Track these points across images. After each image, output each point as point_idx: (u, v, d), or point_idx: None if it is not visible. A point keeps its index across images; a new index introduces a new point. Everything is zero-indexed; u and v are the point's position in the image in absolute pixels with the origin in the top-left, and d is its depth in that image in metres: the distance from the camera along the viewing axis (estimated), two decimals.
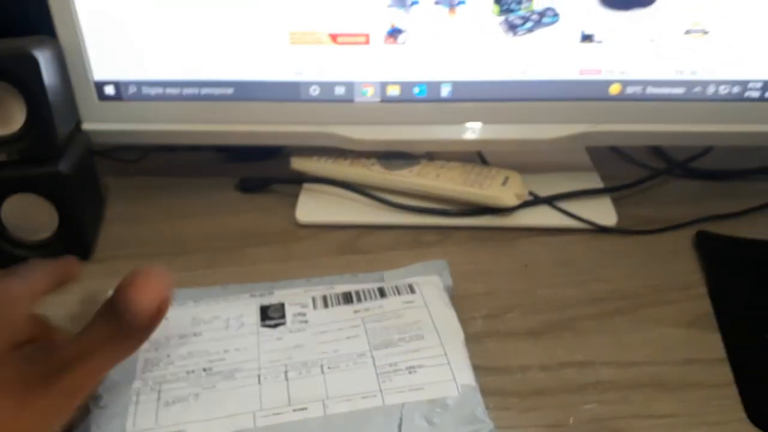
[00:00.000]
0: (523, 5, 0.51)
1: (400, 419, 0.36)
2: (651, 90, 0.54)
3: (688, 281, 0.50)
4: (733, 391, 0.41)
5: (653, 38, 0.52)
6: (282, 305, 0.44)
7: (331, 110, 0.55)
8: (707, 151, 0.63)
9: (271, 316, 0.43)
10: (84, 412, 0.37)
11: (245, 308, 0.44)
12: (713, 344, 0.45)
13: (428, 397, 0.37)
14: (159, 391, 0.37)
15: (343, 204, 0.58)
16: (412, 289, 0.45)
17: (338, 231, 0.56)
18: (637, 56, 0.53)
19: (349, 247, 0.54)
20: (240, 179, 0.62)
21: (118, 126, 0.56)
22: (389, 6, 0.51)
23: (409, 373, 0.38)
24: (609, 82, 0.54)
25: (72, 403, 0.30)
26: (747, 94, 0.53)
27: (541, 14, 0.51)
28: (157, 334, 0.35)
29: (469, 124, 0.55)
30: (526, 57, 0.53)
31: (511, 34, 0.52)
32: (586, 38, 0.52)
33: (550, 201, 0.56)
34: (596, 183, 0.60)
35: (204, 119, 0.56)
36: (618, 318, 0.47)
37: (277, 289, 0.46)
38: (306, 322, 0.42)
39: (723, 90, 0.53)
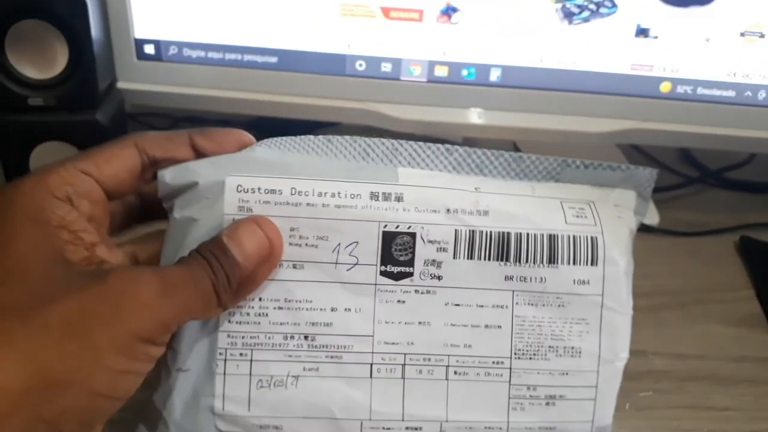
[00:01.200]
0: None
1: None
2: (701, 91, 0.53)
3: (734, 283, 0.49)
4: None
5: (708, 38, 0.51)
6: (413, 237, 0.30)
7: (375, 87, 0.54)
8: (746, 161, 0.62)
9: (396, 256, 0.30)
10: (164, 373, 0.30)
11: (361, 227, 0.30)
12: (765, 344, 0.43)
13: None
14: (250, 361, 0.30)
15: None
16: (593, 246, 0.31)
17: None
18: (691, 55, 0.52)
19: None
20: None
21: (155, 87, 0.55)
22: None
23: (547, 404, 0.31)
24: (660, 80, 0.53)
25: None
26: None
27: (599, 4, 0.51)
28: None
29: (516, 111, 0.54)
30: (579, 47, 0.52)
31: (566, 22, 0.51)
32: (641, 33, 0.52)
33: None
34: None
35: (245, 87, 0.54)
36: (666, 312, 0.46)
37: (402, 166, 0.32)
38: (440, 278, 0.31)
39: None
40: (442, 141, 0.57)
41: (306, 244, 0.30)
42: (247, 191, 0.29)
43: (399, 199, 0.31)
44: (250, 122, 0.66)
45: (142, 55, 0.54)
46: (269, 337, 0.30)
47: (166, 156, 0.30)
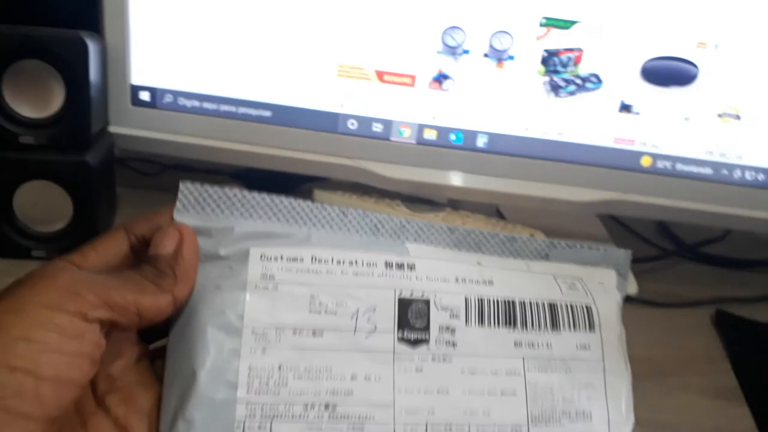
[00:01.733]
0: (569, 69, 0.53)
1: None
2: (680, 167, 0.55)
3: (711, 356, 0.50)
4: None
5: (688, 117, 0.54)
6: (427, 304, 0.32)
7: (366, 146, 0.55)
8: (721, 237, 0.64)
9: (412, 323, 0.31)
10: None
11: (379, 294, 0.31)
12: (742, 416, 0.44)
13: None
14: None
15: None
16: (589, 316, 0.34)
17: None
18: (671, 132, 0.54)
19: None
20: None
21: (148, 134, 0.55)
22: (439, 52, 0.52)
23: None
24: (641, 154, 0.55)
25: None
26: None
27: (585, 79, 0.53)
28: (266, 318, 0.30)
29: (500, 177, 0.55)
30: (564, 119, 0.54)
31: (553, 95, 0.54)
32: (624, 108, 0.54)
33: None
34: None
35: (237, 138, 0.55)
36: (646, 382, 0.45)
37: (410, 242, 0.34)
38: (454, 345, 0.32)
39: (749, 176, 0.55)
40: (429, 201, 0.58)
41: (325, 311, 0.30)
42: (270, 259, 0.30)
43: (411, 268, 0.32)
44: (239, 173, 0.66)
45: (137, 101, 0.55)
46: (289, 408, 0.29)
47: (152, 229, 0.31)
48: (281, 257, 0.31)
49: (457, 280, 0.32)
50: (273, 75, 0.54)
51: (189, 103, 0.55)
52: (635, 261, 0.58)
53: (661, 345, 0.50)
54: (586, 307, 0.34)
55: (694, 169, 0.55)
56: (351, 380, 0.30)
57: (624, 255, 0.38)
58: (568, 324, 0.33)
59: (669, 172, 0.55)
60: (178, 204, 0.32)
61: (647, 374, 0.46)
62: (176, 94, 0.55)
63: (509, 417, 0.31)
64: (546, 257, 0.36)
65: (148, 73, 0.54)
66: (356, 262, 0.31)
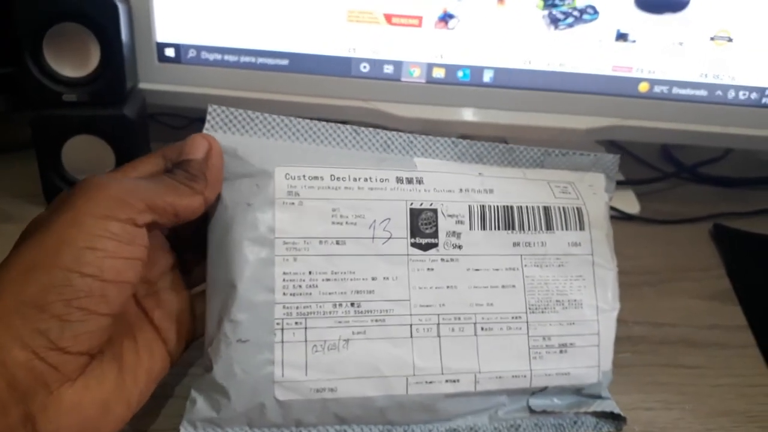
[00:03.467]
0: (566, 2, 0.56)
1: (535, 390, 0.37)
2: (676, 90, 0.58)
3: (708, 264, 0.54)
4: (755, 352, 0.44)
5: (681, 41, 0.57)
6: (435, 213, 0.36)
7: (378, 87, 0.59)
8: (721, 157, 0.67)
9: (423, 229, 0.36)
10: (224, 345, 0.32)
11: (392, 206, 0.36)
12: (735, 314, 0.48)
13: (571, 383, 0.37)
14: (305, 329, 0.33)
15: None
16: (579, 214, 0.38)
17: None
18: (666, 57, 0.57)
19: None
20: None
21: (174, 88, 0.59)
22: None
23: (560, 352, 0.37)
24: (638, 80, 0.58)
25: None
26: (764, 101, 0.58)
27: (582, 11, 0.56)
28: (294, 230, 0.34)
29: (507, 110, 0.59)
30: (564, 50, 0.57)
31: (552, 28, 0.56)
32: (621, 37, 0.57)
33: None
34: (618, 177, 0.63)
35: (258, 88, 0.59)
36: (645, 288, 0.50)
37: (417, 157, 0.38)
38: (460, 247, 0.36)
39: (742, 95, 0.58)
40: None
41: (346, 222, 0.35)
42: (294, 178, 0.35)
43: (420, 182, 0.37)
44: None
45: (163, 58, 0.58)
46: (320, 306, 0.34)
47: (182, 156, 0.34)
48: (304, 176, 0.35)
49: (461, 190, 0.37)
50: (288, 24, 0.57)
51: (211, 56, 0.59)
52: (637, 183, 0.63)
53: (660, 256, 0.54)
54: (577, 209, 0.39)
55: (689, 91, 0.58)
56: (372, 281, 0.35)
57: (612, 159, 0.43)
58: (560, 224, 0.38)
59: (666, 96, 0.58)
60: (206, 125, 0.36)
61: (647, 282, 0.51)
62: (199, 48, 0.58)
63: (510, 307, 0.36)
64: (541, 165, 0.40)
65: (171, 31, 0.58)
66: (370, 178, 0.36)
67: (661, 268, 0.52)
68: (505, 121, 0.59)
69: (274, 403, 0.32)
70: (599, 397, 0.37)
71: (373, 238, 0.35)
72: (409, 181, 0.36)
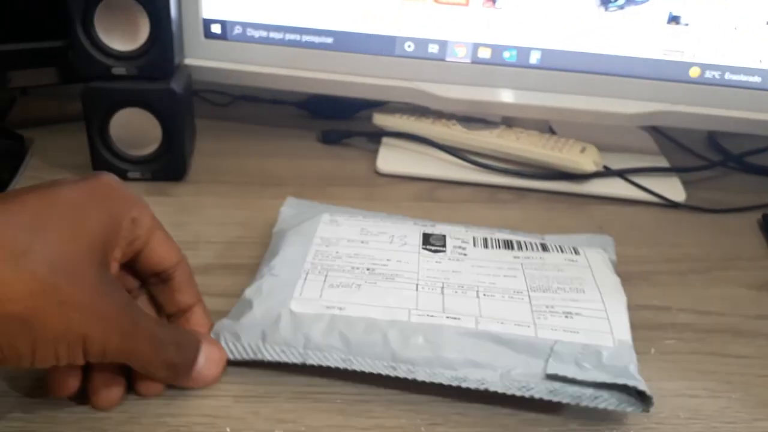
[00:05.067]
0: None
1: (550, 354, 0.35)
2: (729, 76, 0.57)
3: (756, 254, 0.52)
4: None
5: (736, 26, 0.55)
6: (444, 237, 0.44)
7: (422, 67, 0.59)
8: (767, 148, 0.65)
9: (433, 243, 0.43)
10: (259, 275, 0.41)
11: (409, 231, 0.45)
12: None
13: (582, 341, 0.36)
14: (326, 275, 0.39)
15: (422, 158, 0.60)
16: (575, 251, 0.44)
17: (416, 182, 0.59)
18: (719, 42, 0.56)
19: (428, 196, 0.57)
20: (322, 131, 0.65)
21: (220, 64, 0.60)
22: None
23: (566, 317, 0.37)
24: (690, 65, 0.57)
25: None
26: None
27: None
28: (330, 233, 0.43)
29: (553, 92, 0.58)
30: (614, 32, 0.56)
31: (603, 9, 0.55)
32: (673, 20, 0.55)
33: (623, 174, 0.59)
34: (664, 164, 0.62)
35: (302, 66, 0.59)
36: (691, 276, 0.49)
37: (439, 224, 0.47)
38: (465, 255, 0.43)
39: None
40: (483, 120, 0.61)
41: (370, 234, 0.44)
42: (336, 213, 0.47)
43: (433, 226, 0.46)
44: (303, 101, 0.71)
45: (209, 34, 0.59)
46: (340, 267, 0.41)
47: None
48: (343, 214, 0.47)
49: (467, 230, 0.46)
50: (333, 2, 0.57)
51: (257, 33, 0.59)
52: (683, 170, 0.61)
53: (707, 245, 0.53)
54: (573, 247, 0.45)
55: (742, 77, 0.57)
56: (387, 261, 0.42)
57: (607, 239, 0.48)
58: (556, 250, 0.44)
59: (717, 82, 0.57)
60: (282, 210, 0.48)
61: (692, 269, 0.50)
62: (245, 25, 0.59)
63: (511, 285, 0.40)
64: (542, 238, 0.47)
65: (218, 7, 0.58)
66: (392, 220, 0.47)
67: (707, 257, 0.51)
68: (550, 103, 0.59)
69: (288, 314, 0.36)
70: (626, 373, 0.35)
71: (391, 242, 0.43)
72: (424, 225, 0.46)
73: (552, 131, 0.64)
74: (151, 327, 0.31)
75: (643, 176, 0.59)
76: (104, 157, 0.54)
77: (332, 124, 0.67)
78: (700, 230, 0.55)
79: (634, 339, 0.41)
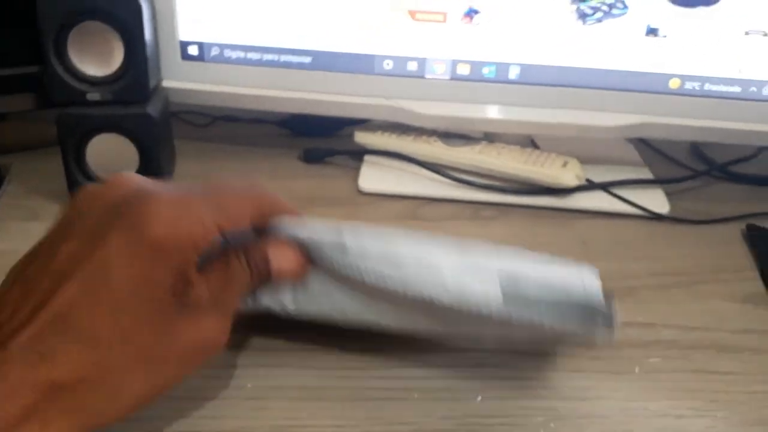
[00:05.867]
0: None
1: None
2: (709, 87, 0.57)
3: (740, 265, 0.52)
4: None
5: (715, 37, 0.55)
6: None
7: (402, 85, 0.58)
8: (753, 155, 0.65)
9: None
10: None
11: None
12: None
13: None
14: None
15: (404, 176, 0.60)
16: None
17: (399, 200, 0.58)
18: (698, 53, 0.56)
19: (411, 214, 0.57)
20: (304, 150, 0.64)
21: (198, 86, 0.59)
22: None
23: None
24: (669, 77, 0.57)
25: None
26: None
27: (611, 6, 0.55)
28: None
29: (534, 107, 0.58)
30: (593, 46, 0.56)
31: (581, 23, 0.55)
32: (651, 32, 0.55)
33: (606, 187, 0.58)
34: (647, 176, 0.62)
35: (281, 86, 0.59)
36: (675, 290, 0.49)
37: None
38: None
39: None
40: (464, 136, 0.61)
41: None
42: None
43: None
44: (284, 120, 0.70)
45: (186, 56, 0.59)
46: None
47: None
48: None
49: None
50: (311, 22, 0.57)
51: (234, 54, 0.58)
52: (667, 182, 0.61)
53: (691, 258, 0.52)
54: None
55: (722, 88, 0.57)
56: None
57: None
58: None
59: (697, 93, 0.57)
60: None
61: (676, 284, 0.49)
62: (222, 46, 0.58)
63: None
64: None
65: (194, 29, 0.58)
66: None
67: (691, 270, 0.51)
68: (531, 118, 0.58)
69: None
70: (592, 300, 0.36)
71: None
72: None
73: (534, 145, 0.64)
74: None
75: (626, 188, 0.59)
76: (81, 183, 0.53)
77: (314, 142, 0.67)
78: (684, 242, 0.55)
79: (619, 358, 0.41)
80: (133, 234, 0.29)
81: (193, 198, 0.31)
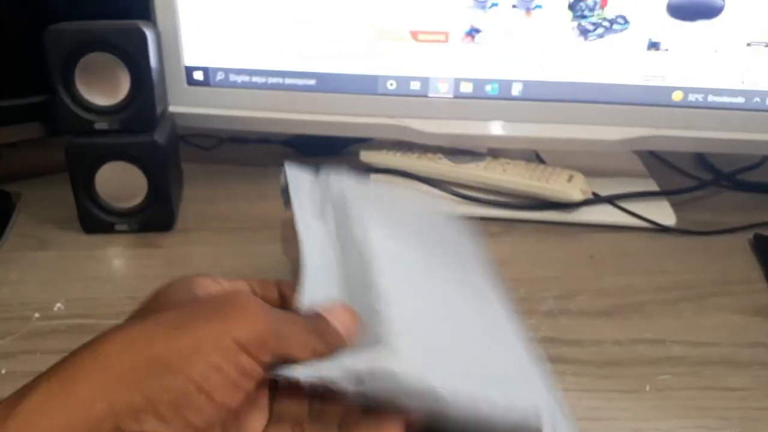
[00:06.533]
0: (596, 12, 0.55)
1: None
2: (712, 98, 0.57)
3: (748, 277, 0.52)
4: None
5: (716, 48, 0.55)
6: None
7: (405, 104, 0.59)
8: (758, 164, 0.65)
9: None
10: None
11: None
12: None
13: None
14: None
15: None
16: None
17: None
18: (701, 65, 0.56)
19: None
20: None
21: (204, 110, 0.60)
22: (470, 7, 0.55)
23: None
24: (672, 89, 0.57)
25: None
26: None
27: (612, 21, 0.55)
28: None
29: (537, 122, 0.58)
30: (595, 61, 0.56)
31: (582, 39, 0.56)
32: (653, 46, 0.55)
33: (612, 200, 0.58)
34: (653, 187, 0.62)
35: (286, 108, 0.59)
36: (683, 304, 0.49)
37: None
38: None
39: None
40: (469, 152, 0.61)
41: None
42: None
43: None
44: (290, 140, 0.71)
45: (192, 81, 0.59)
46: None
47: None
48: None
49: None
50: (315, 45, 0.57)
51: (239, 78, 0.59)
52: (673, 193, 0.61)
53: (698, 270, 0.52)
54: None
55: (726, 99, 0.57)
56: None
57: None
58: None
59: (701, 105, 0.57)
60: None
61: (684, 297, 0.49)
62: (227, 71, 0.59)
63: None
64: None
65: (199, 54, 0.58)
66: None
67: (699, 283, 0.51)
68: (535, 134, 0.59)
69: None
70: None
71: None
72: None
73: (540, 159, 0.64)
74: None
75: (632, 201, 0.59)
76: (91, 211, 0.54)
77: (320, 161, 0.67)
78: (691, 254, 0.55)
79: (629, 377, 0.41)
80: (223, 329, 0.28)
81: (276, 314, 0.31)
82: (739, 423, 0.38)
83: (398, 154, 0.62)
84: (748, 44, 0.55)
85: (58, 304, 0.46)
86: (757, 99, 0.56)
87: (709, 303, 0.49)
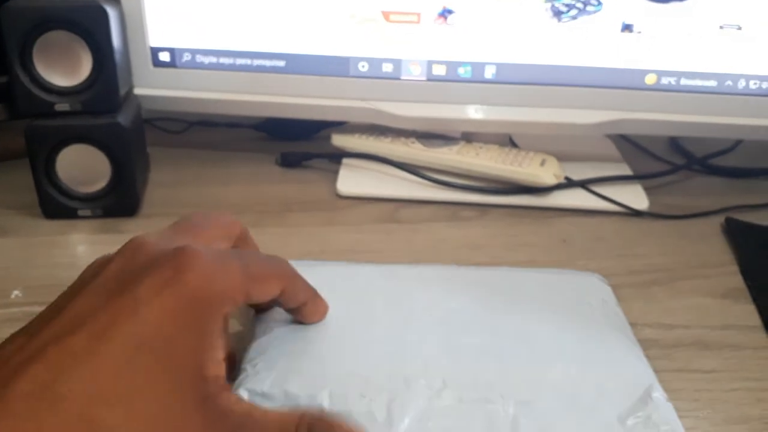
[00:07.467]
0: None
1: None
2: (685, 81, 0.57)
3: (720, 260, 0.52)
4: None
5: (689, 32, 0.55)
6: None
7: (377, 87, 0.58)
8: (731, 148, 0.65)
9: None
10: None
11: None
12: (748, 314, 0.46)
13: None
14: None
15: (382, 178, 0.59)
16: None
17: (377, 203, 0.58)
18: (674, 48, 0.55)
19: (390, 217, 0.56)
20: (281, 154, 0.63)
21: (170, 92, 0.58)
22: None
23: None
24: (645, 72, 0.57)
25: None
26: None
27: (586, 2, 0.54)
28: None
29: (511, 106, 0.58)
30: (568, 43, 0.56)
31: (555, 21, 0.55)
32: (626, 28, 0.55)
33: (585, 184, 0.58)
34: (626, 171, 0.62)
35: (255, 90, 0.58)
36: (655, 288, 0.48)
37: None
38: None
39: (753, 85, 0.56)
40: (443, 137, 0.61)
41: None
42: None
43: None
44: (260, 124, 0.69)
45: (157, 62, 0.57)
46: None
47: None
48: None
49: None
50: (284, 25, 0.56)
51: (207, 59, 0.57)
52: (646, 177, 0.61)
53: (670, 254, 0.52)
54: None
55: (698, 82, 0.57)
56: None
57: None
58: None
59: (674, 88, 0.57)
60: None
61: (656, 281, 0.49)
62: (194, 52, 0.57)
63: None
64: None
65: (165, 35, 0.57)
66: None
67: (671, 266, 0.51)
68: (509, 117, 0.58)
69: None
70: None
71: None
72: None
73: (513, 143, 0.64)
74: None
75: (605, 185, 0.59)
76: (52, 196, 0.52)
77: (291, 146, 0.66)
78: (663, 238, 0.55)
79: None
80: (170, 282, 0.27)
81: (228, 257, 0.30)
82: (709, 404, 0.38)
83: (371, 138, 0.61)
84: (721, 27, 0.54)
85: (16, 292, 0.44)
86: (729, 82, 0.56)
87: (682, 286, 0.49)
